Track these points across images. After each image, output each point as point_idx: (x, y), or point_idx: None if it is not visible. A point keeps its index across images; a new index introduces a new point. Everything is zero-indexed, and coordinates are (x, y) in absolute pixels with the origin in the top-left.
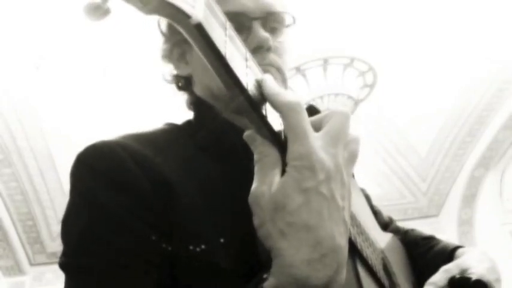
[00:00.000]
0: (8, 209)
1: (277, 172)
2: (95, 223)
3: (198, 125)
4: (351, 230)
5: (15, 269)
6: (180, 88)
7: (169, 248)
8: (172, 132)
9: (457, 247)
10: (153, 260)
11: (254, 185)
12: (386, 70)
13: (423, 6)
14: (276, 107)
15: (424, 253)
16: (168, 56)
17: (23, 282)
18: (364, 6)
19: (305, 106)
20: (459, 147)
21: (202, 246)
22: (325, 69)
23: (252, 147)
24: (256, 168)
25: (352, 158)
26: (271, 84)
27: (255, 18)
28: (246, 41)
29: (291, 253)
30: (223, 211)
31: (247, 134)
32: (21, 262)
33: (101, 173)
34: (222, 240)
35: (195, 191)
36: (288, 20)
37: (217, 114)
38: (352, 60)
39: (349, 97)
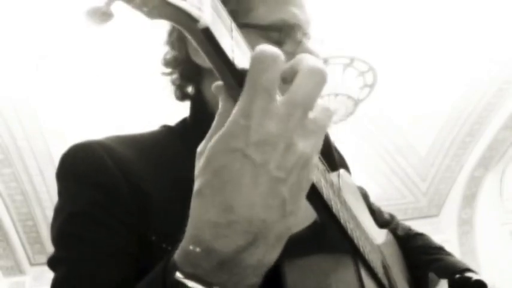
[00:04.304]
0: (8, 209)
1: None
2: (72, 220)
3: (191, 125)
4: (355, 232)
5: (15, 269)
6: (188, 79)
7: (169, 248)
8: (162, 134)
9: (468, 269)
10: (132, 258)
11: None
12: (386, 70)
13: (423, 6)
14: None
15: (432, 261)
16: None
17: (23, 282)
18: (364, 7)
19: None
20: (459, 147)
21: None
22: None
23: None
24: (213, 122)
25: (317, 129)
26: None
27: (305, 33)
28: (292, 53)
29: (199, 213)
30: None
31: (216, 84)
32: (21, 262)
33: (79, 172)
34: None
35: (173, 193)
36: None
37: (212, 115)
38: (352, 60)
39: (349, 97)
